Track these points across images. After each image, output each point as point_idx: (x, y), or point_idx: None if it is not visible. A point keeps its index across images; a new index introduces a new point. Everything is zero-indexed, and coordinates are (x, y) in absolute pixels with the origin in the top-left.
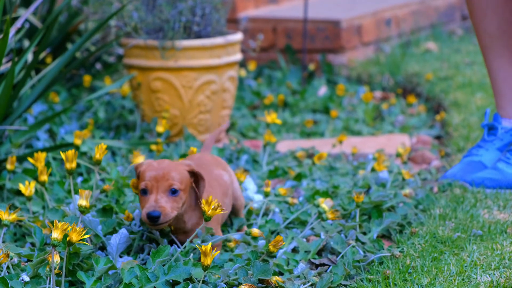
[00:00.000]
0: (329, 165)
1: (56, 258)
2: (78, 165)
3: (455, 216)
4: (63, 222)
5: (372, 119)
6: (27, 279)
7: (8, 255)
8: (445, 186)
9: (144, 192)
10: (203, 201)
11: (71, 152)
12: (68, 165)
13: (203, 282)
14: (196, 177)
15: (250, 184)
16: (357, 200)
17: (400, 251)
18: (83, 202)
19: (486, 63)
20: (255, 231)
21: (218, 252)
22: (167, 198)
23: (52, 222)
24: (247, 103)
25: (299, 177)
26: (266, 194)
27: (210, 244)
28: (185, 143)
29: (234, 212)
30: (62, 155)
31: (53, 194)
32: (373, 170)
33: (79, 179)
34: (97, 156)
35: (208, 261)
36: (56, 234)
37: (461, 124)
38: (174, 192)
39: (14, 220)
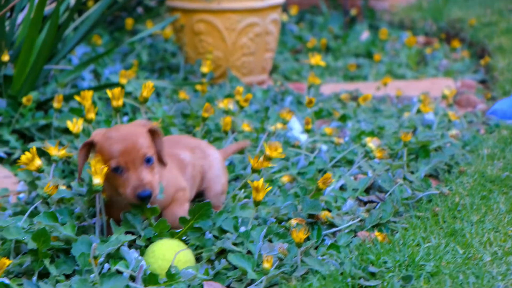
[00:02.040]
0: (374, 107)
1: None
2: (123, 104)
3: (503, 156)
4: (105, 168)
5: (415, 63)
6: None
7: (57, 187)
8: (492, 128)
9: (116, 170)
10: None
11: (117, 90)
12: (114, 103)
13: (254, 219)
14: (153, 135)
15: (296, 124)
16: (405, 139)
17: (449, 189)
18: None
19: None
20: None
21: (271, 187)
22: (146, 170)
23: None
24: (289, 47)
25: (343, 118)
26: (308, 131)
27: (262, 179)
28: (229, 85)
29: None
30: (109, 93)
31: None
32: (418, 112)
33: (125, 119)
34: (144, 94)
35: (260, 196)
36: (97, 180)
37: (506, 68)
38: (148, 160)
39: (63, 156)
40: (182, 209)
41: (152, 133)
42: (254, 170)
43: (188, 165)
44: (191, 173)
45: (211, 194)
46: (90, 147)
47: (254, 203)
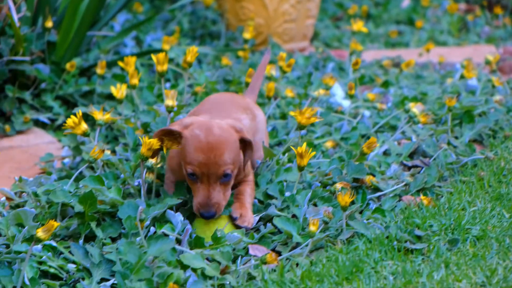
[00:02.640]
0: (416, 74)
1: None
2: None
3: None
4: (150, 139)
5: (457, 30)
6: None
7: (103, 151)
8: None
9: (191, 175)
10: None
11: (162, 55)
12: (159, 68)
13: (299, 183)
14: (244, 143)
15: (338, 90)
16: (449, 104)
17: (494, 154)
18: (170, 102)
19: None
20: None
21: (314, 153)
22: (219, 187)
23: (144, 124)
24: (330, 15)
25: (386, 84)
26: (351, 97)
27: (305, 144)
28: (270, 51)
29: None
30: (154, 58)
31: (143, 98)
32: (461, 78)
33: (167, 85)
34: (188, 58)
35: (304, 162)
36: (144, 149)
37: None
38: (226, 176)
39: (108, 120)
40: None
41: (243, 141)
42: (302, 127)
43: (248, 131)
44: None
45: (254, 158)
46: (172, 134)
47: (298, 168)
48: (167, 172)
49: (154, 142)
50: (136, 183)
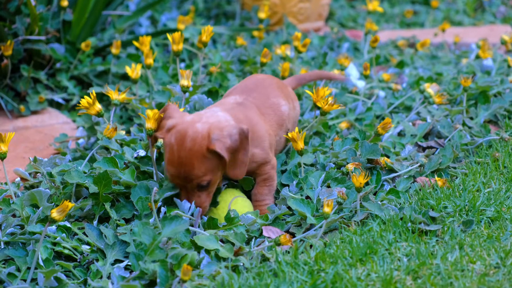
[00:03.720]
0: (431, 54)
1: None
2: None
3: None
4: (155, 111)
5: (473, 10)
6: (142, 153)
7: (116, 129)
8: None
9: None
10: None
11: (177, 34)
12: (174, 47)
13: (312, 165)
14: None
15: (353, 70)
16: (465, 84)
17: (509, 135)
18: (185, 82)
19: None
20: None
21: (304, 134)
22: (198, 193)
23: (158, 104)
24: None
25: (401, 64)
26: (366, 77)
27: (296, 129)
28: (285, 31)
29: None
30: (169, 37)
31: (157, 79)
32: (477, 58)
33: (182, 65)
34: (204, 38)
35: (299, 145)
36: (149, 124)
37: None
38: (202, 187)
39: (123, 100)
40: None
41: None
42: (323, 113)
43: (285, 120)
44: (286, 127)
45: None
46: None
47: (297, 152)
48: None
49: (157, 112)
50: (136, 155)
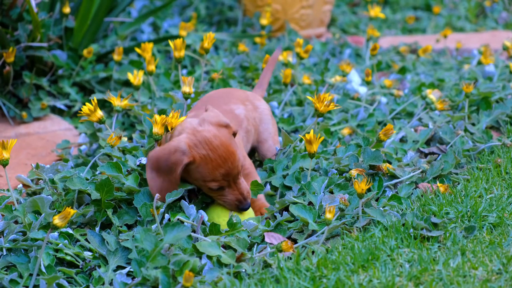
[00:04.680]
0: (433, 60)
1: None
2: None
3: None
4: (162, 116)
5: (474, 16)
6: (144, 161)
7: (120, 138)
8: None
9: (218, 189)
10: (315, 98)
11: (179, 41)
12: (176, 54)
13: (313, 170)
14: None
15: (355, 76)
16: (467, 90)
17: (511, 141)
18: (187, 89)
19: None
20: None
21: (323, 138)
22: (241, 182)
23: (160, 111)
24: (347, 0)
25: (403, 70)
26: (367, 83)
27: (312, 130)
28: (287, 38)
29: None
30: (171, 44)
31: (159, 85)
32: (479, 64)
33: (184, 71)
34: (205, 45)
35: (313, 148)
36: (156, 129)
37: None
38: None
39: (125, 106)
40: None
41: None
42: (320, 114)
43: (243, 120)
44: (245, 128)
45: (264, 147)
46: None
47: (309, 155)
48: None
49: (164, 117)
50: (138, 162)
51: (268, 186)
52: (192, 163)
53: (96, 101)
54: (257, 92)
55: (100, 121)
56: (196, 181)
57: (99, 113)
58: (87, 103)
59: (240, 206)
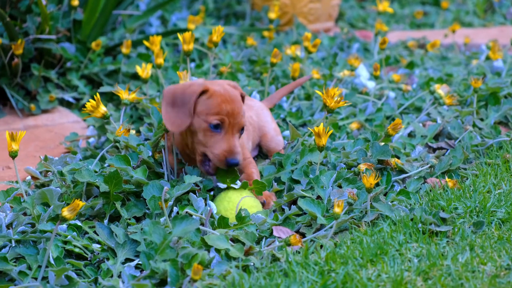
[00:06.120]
0: (441, 55)
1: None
2: None
3: None
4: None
5: (483, 11)
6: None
7: (128, 130)
8: None
9: (216, 127)
10: (328, 97)
11: (188, 34)
12: (185, 47)
13: (321, 164)
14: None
15: (363, 71)
16: (475, 85)
17: None
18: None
19: None
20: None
21: (331, 131)
22: (237, 139)
23: None
24: None
25: (411, 65)
26: (376, 78)
27: (322, 124)
28: (296, 32)
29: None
30: (180, 37)
31: (167, 78)
32: (487, 59)
33: (192, 65)
34: (214, 38)
35: (322, 141)
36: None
37: None
38: (242, 128)
39: (133, 99)
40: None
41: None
42: (330, 110)
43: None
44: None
45: (267, 138)
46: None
47: (318, 148)
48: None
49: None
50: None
51: (275, 184)
52: (205, 92)
53: (98, 96)
54: (265, 103)
55: (104, 117)
56: (198, 117)
57: (103, 108)
58: (90, 100)
59: (228, 157)
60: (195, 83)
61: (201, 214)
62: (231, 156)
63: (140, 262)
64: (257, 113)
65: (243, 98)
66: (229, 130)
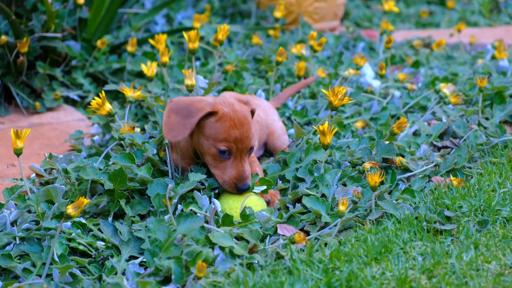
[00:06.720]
0: (447, 54)
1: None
2: None
3: None
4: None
5: (488, 10)
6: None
7: (133, 128)
8: None
9: (223, 153)
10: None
11: (193, 32)
12: (190, 45)
13: (326, 162)
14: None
15: (368, 70)
16: (480, 85)
17: None
18: (189, 82)
19: None
20: None
21: (336, 129)
22: (247, 160)
23: None
24: None
25: (416, 64)
26: (381, 77)
27: (326, 122)
28: (301, 31)
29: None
30: (185, 35)
31: (173, 76)
32: (492, 58)
33: (197, 63)
34: (220, 36)
35: (327, 139)
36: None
37: None
38: (251, 149)
39: (138, 97)
40: (260, 168)
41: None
42: (334, 108)
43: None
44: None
45: (274, 137)
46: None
47: (322, 146)
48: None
49: None
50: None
51: (280, 182)
52: (214, 114)
53: (104, 94)
54: (272, 102)
55: (110, 115)
56: (206, 140)
57: (108, 106)
58: (96, 97)
59: (238, 185)
60: (205, 100)
61: (206, 212)
62: (241, 183)
63: (144, 260)
64: (265, 112)
65: (253, 114)
66: (238, 156)
